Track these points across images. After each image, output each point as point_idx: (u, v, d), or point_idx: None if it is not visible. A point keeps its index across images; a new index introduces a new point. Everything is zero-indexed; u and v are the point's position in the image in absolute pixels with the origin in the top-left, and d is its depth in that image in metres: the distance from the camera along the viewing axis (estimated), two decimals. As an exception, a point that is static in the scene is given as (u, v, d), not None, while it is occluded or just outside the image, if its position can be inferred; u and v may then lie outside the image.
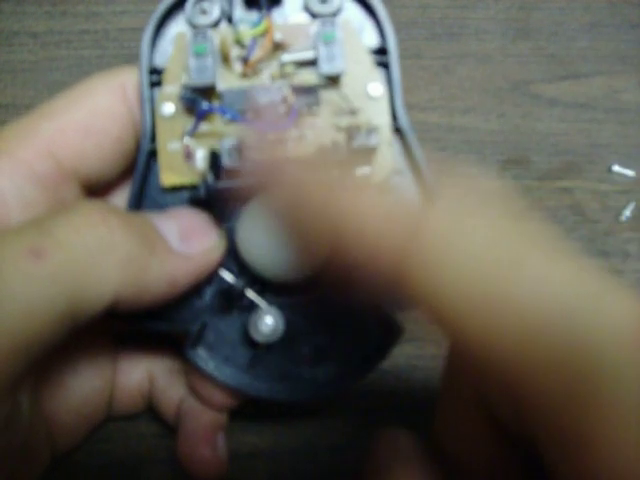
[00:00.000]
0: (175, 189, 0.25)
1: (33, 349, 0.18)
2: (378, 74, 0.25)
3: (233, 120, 0.24)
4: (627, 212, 0.35)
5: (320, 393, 0.25)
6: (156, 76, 0.25)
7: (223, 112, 0.24)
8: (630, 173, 0.36)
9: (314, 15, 0.25)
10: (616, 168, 0.36)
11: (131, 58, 0.39)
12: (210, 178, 0.24)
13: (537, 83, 0.38)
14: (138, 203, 0.25)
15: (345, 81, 0.25)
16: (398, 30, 0.40)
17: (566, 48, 0.39)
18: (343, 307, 0.25)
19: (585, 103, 0.38)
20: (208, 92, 0.24)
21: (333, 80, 0.25)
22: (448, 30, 0.39)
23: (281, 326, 0.24)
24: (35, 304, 0.18)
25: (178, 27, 0.26)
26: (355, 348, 0.25)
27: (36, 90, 0.38)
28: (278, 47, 0.25)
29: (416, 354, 0.33)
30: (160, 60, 0.25)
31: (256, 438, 0.31)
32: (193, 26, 0.25)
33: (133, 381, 0.29)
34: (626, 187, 0.36)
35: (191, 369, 0.27)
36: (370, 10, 0.26)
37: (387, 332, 0.25)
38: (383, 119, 0.25)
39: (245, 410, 0.30)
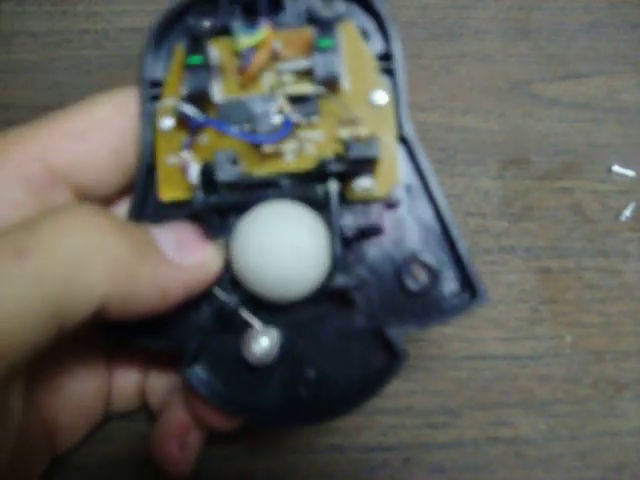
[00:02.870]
0: (175, 203, 0.24)
1: (18, 351, 0.18)
2: (382, 81, 0.24)
3: (227, 133, 0.23)
4: (627, 212, 0.35)
5: (320, 418, 0.24)
6: (157, 89, 0.25)
7: (217, 125, 0.23)
8: (630, 173, 0.36)
9: (316, 21, 0.24)
10: (616, 168, 0.36)
11: (131, 58, 0.39)
12: (200, 192, 0.23)
13: (537, 83, 0.38)
14: (138, 217, 0.25)
15: (348, 89, 0.24)
16: (398, 30, 0.40)
17: (566, 48, 0.39)
18: (344, 330, 0.24)
19: (585, 103, 0.38)
20: (205, 104, 0.24)
21: (332, 87, 0.23)
22: (448, 30, 0.39)
23: (275, 348, 0.23)
24: (17, 304, 0.18)
25: (179, 39, 0.25)
26: (357, 372, 0.24)
27: (36, 90, 0.38)
28: (277, 56, 0.24)
29: (416, 354, 0.33)
30: (162, 73, 0.25)
31: (256, 438, 0.31)
32: (193, 37, 0.24)
33: (129, 380, 0.29)
34: (626, 187, 0.36)
35: (189, 390, 0.26)
36: (374, 14, 0.25)
37: (390, 357, 0.24)
38: (388, 128, 0.24)
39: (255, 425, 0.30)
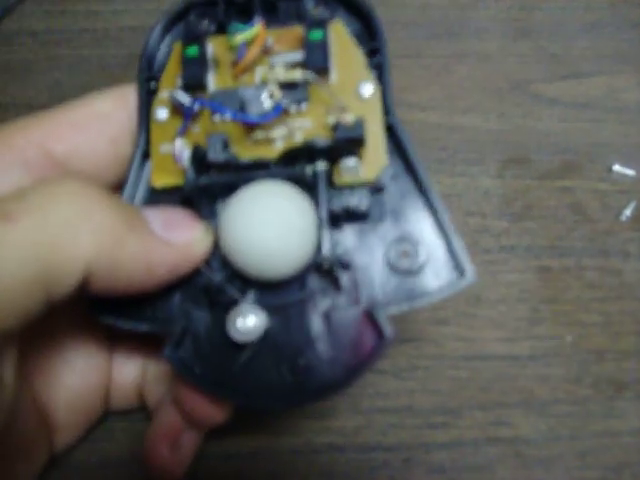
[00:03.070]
0: (166, 190, 0.25)
1: (6, 318, 0.18)
2: (370, 74, 0.25)
3: (219, 112, 0.25)
4: (627, 212, 0.35)
5: (307, 400, 0.25)
6: (155, 83, 0.26)
7: (209, 105, 0.24)
8: (630, 172, 0.36)
9: (307, 21, 0.25)
10: (616, 167, 0.36)
11: (131, 57, 0.39)
12: (191, 173, 0.23)
13: (537, 83, 0.38)
14: (130, 202, 0.25)
15: (336, 81, 0.25)
16: (398, 30, 0.40)
17: (566, 48, 0.39)
18: (331, 313, 0.24)
19: (585, 103, 0.38)
20: (200, 95, 0.25)
21: (321, 74, 0.24)
22: (448, 30, 0.39)
23: (261, 325, 0.23)
24: (4, 268, 0.18)
25: (177, 37, 0.27)
26: (343, 354, 0.24)
27: (36, 89, 0.38)
28: (269, 51, 0.25)
29: (416, 354, 0.33)
30: (160, 69, 0.26)
31: (256, 438, 0.31)
32: (190, 35, 0.26)
33: (129, 376, 0.29)
34: (626, 187, 0.36)
35: (175, 376, 0.26)
36: (362, 13, 0.26)
37: (378, 339, 0.24)
38: (374, 117, 0.25)
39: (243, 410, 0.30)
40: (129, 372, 0.29)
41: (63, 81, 0.39)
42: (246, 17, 0.26)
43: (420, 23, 0.40)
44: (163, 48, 0.27)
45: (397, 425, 0.31)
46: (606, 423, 0.32)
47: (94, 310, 0.24)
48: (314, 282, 0.25)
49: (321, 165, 0.24)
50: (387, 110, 0.25)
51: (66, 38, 0.39)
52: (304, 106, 0.25)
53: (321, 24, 0.25)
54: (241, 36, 0.24)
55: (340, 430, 0.31)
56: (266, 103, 0.24)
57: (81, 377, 0.27)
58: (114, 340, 0.29)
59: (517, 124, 0.37)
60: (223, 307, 0.24)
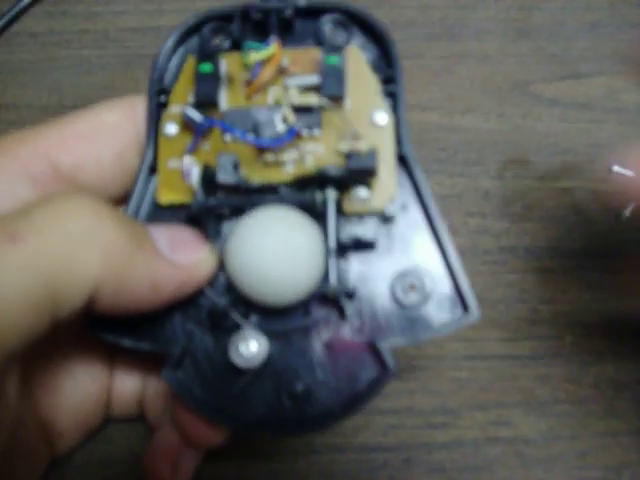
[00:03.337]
0: (172, 207, 0.25)
1: (13, 339, 0.18)
2: (384, 102, 0.25)
3: (231, 133, 0.24)
4: (627, 212, 0.35)
5: (304, 431, 0.24)
6: (165, 97, 0.25)
7: (221, 125, 0.24)
8: (630, 173, 0.36)
9: (324, 44, 0.25)
10: (616, 168, 0.36)
11: (131, 58, 0.39)
12: (200, 194, 0.23)
13: (537, 83, 0.38)
14: (134, 217, 0.25)
15: (350, 108, 0.25)
16: (398, 30, 0.40)
17: (566, 48, 0.39)
18: (334, 342, 0.24)
19: (585, 103, 0.38)
20: (211, 112, 0.25)
21: (336, 101, 0.24)
22: (448, 30, 0.39)
23: (264, 351, 0.23)
24: (12, 291, 0.17)
25: (191, 49, 0.26)
26: (344, 385, 0.24)
27: (36, 90, 0.38)
28: (284, 72, 0.25)
29: (416, 354, 0.33)
30: (171, 81, 0.26)
31: (256, 438, 0.31)
32: (204, 49, 0.25)
33: (129, 391, 0.28)
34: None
35: (173, 397, 0.25)
36: (380, 39, 0.26)
37: (380, 371, 0.24)
38: (387, 146, 0.24)
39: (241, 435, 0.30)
40: (130, 387, 0.28)
41: (63, 82, 0.39)
42: (261, 34, 0.25)
43: (419, 24, 0.40)
44: (175, 59, 0.26)
45: (397, 425, 0.32)
46: (606, 423, 0.32)
47: (94, 328, 0.24)
48: (318, 310, 0.24)
49: (332, 193, 0.23)
50: (400, 139, 0.25)
51: (66, 39, 0.39)
52: (316, 131, 0.24)
53: (338, 49, 0.25)
54: (256, 55, 0.24)
55: (340, 430, 0.31)
56: (279, 126, 0.24)
57: (82, 390, 0.27)
58: (115, 355, 0.28)
59: (517, 124, 0.37)
60: (225, 330, 0.24)
